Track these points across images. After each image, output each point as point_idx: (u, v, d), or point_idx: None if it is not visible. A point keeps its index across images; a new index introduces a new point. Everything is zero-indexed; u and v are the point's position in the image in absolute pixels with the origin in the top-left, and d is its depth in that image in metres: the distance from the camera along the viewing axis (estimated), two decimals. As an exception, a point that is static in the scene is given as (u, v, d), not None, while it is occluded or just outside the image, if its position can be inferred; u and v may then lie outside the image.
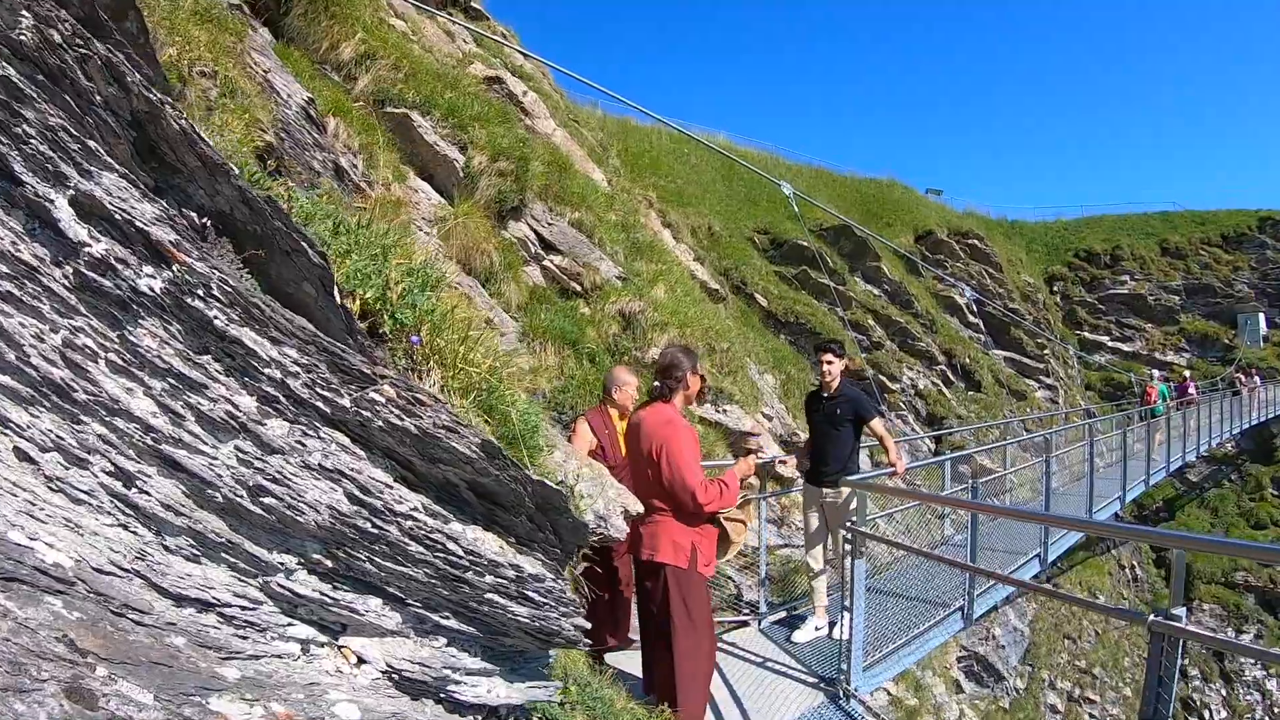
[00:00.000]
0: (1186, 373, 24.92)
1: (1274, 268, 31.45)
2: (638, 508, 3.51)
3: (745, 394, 9.73)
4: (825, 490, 5.39)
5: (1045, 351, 26.18)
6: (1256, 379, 25.36)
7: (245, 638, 1.66)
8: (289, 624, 1.78)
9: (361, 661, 1.84)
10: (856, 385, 5.80)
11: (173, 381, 1.64)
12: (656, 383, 3.92)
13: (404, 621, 1.91)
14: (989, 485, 10.24)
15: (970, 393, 21.05)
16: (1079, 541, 11.60)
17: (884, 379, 18.07)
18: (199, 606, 1.62)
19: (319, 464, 1.76)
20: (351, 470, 1.79)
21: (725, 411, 8.85)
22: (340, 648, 1.84)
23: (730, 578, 6.57)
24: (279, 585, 1.75)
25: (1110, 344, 30.85)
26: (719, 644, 5.47)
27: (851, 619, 4.50)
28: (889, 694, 8.42)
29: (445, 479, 1.92)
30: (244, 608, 1.69)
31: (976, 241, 26.74)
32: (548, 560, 2.05)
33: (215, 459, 1.67)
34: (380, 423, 1.79)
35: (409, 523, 1.84)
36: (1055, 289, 32.35)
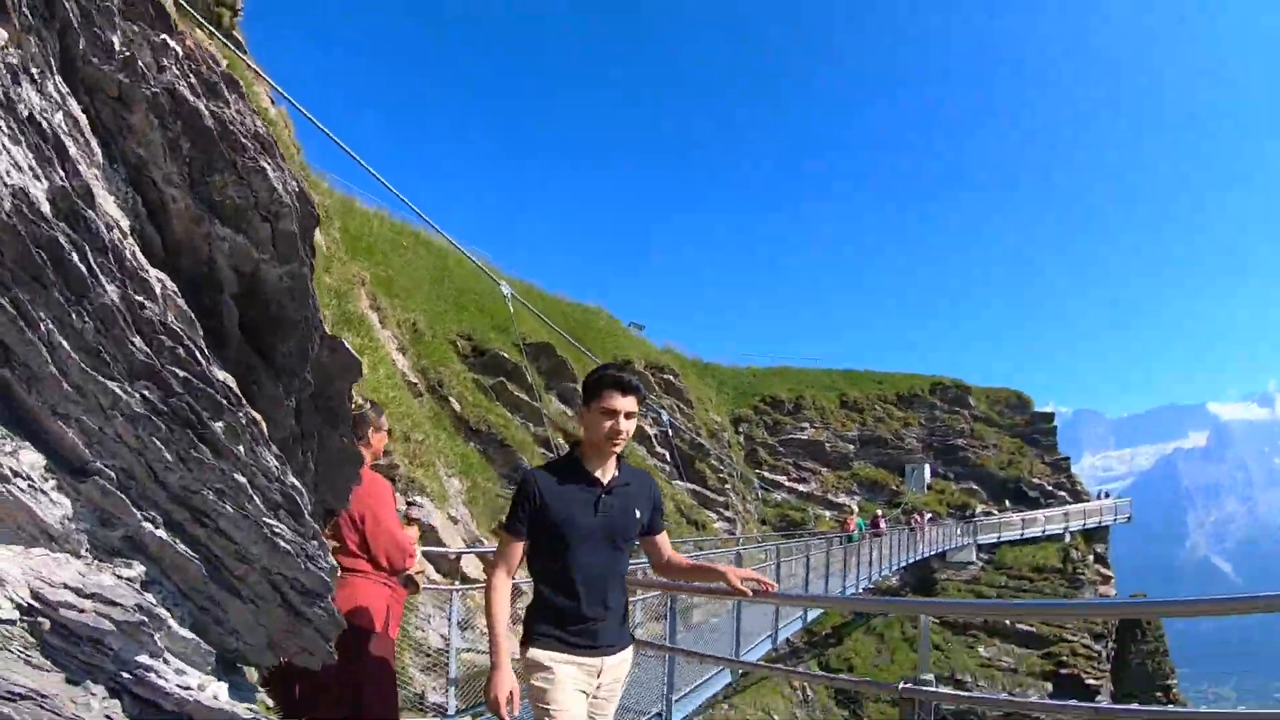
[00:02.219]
0: (878, 510, 28.89)
1: (940, 425, 37.45)
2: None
3: (435, 490, 8.84)
4: (607, 661, 2.70)
5: (726, 486, 28.00)
6: (927, 518, 29.46)
7: None
8: None
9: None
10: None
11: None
12: None
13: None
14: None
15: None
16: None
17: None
18: None
19: None
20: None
21: (418, 503, 7.78)
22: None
23: (414, 676, 5.47)
24: None
25: (788, 483, 34.02)
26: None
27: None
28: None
29: None
30: None
31: (671, 377, 28.44)
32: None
33: None
34: None
35: None
36: (740, 429, 35.26)
